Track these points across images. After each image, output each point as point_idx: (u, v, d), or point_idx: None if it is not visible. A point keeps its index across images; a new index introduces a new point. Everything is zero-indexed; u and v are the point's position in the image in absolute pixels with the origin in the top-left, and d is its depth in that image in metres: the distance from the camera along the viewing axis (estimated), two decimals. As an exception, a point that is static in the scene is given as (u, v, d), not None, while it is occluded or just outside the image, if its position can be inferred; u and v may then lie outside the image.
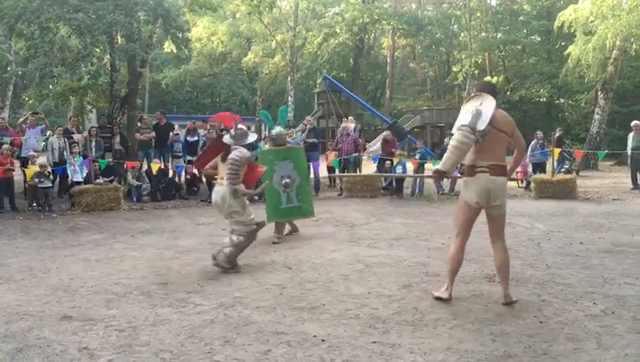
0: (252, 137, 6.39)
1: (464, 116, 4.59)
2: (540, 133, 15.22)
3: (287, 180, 8.00)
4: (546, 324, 4.23)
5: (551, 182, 12.60)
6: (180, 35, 16.33)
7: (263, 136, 17.86)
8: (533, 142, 16.22)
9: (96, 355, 3.70)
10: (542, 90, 34.54)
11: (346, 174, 13.80)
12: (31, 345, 3.87)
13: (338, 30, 34.16)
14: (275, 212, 7.97)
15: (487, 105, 4.58)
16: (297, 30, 32.03)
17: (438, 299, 4.78)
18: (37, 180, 10.57)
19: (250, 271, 5.94)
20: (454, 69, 40.97)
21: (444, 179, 13.48)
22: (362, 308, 4.67)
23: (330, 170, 14.97)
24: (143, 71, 17.33)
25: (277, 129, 8.07)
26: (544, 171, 14.05)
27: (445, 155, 4.63)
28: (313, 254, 6.79)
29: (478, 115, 4.53)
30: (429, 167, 13.71)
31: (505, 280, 4.77)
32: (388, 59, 40.26)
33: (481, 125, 4.49)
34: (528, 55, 38.27)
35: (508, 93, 35.87)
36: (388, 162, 13.58)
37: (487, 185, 4.58)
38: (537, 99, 35.99)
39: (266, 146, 9.48)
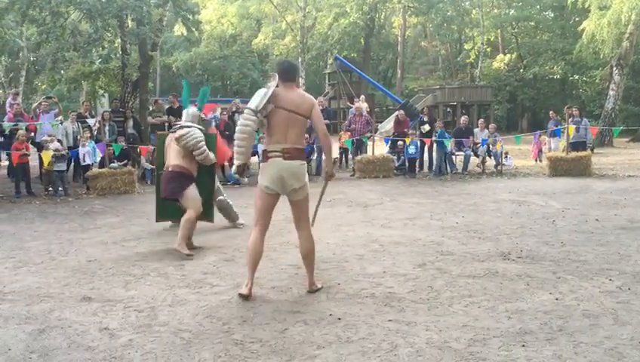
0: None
1: (253, 98, 4.36)
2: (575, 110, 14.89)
3: None
4: (562, 301, 4.24)
5: (565, 160, 12.50)
6: (191, 18, 16.29)
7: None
8: (551, 122, 16.07)
9: (116, 335, 3.76)
10: (556, 67, 34.12)
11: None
12: (52, 326, 3.94)
13: (348, 10, 33.82)
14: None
15: (271, 84, 4.36)
16: (307, 10, 31.77)
17: (240, 296, 4.39)
18: (53, 160, 10.67)
19: (265, 251, 5.94)
20: (466, 46, 40.51)
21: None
22: (377, 287, 4.70)
23: (344, 150, 14.96)
24: (154, 54, 17.30)
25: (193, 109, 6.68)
26: (585, 149, 13.62)
27: (234, 144, 4.43)
28: (327, 234, 6.82)
29: (262, 94, 4.29)
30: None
31: (310, 269, 4.59)
32: (399, 39, 39.84)
33: (260, 104, 4.25)
34: (542, 31, 37.72)
35: (521, 70, 35.48)
36: (400, 142, 13.54)
37: (280, 170, 4.30)
38: (551, 76, 35.57)
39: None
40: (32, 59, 24.48)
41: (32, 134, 11.62)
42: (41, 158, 11.00)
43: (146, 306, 4.31)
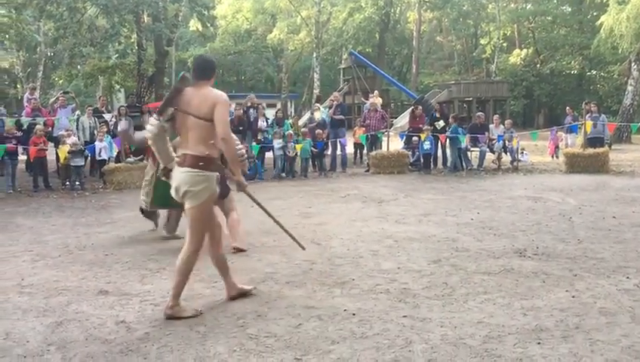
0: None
1: None
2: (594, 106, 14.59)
3: None
4: (579, 298, 4.21)
5: (582, 156, 12.37)
6: (206, 13, 16.36)
7: (290, 114, 17.82)
8: (568, 117, 15.91)
9: (133, 328, 3.80)
10: (573, 62, 33.80)
11: None
12: (70, 319, 3.98)
13: (363, 4, 33.72)
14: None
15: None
16: (322, 5, 31.71)
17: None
18: (69, 156, 10.78)
19: (280, 247, 5.99)
20: (482, 41, 40.27)
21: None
22: (392, 282, 4.69)
23: (358, 146, 14.95)
24: (170, 50, 17.42)
25: None
26: (602, 146, 13.43)
27: None
28: (342, 230, 6.83)
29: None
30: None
31: (174, 288, 4.04)
32: (414, 34, 39.64)
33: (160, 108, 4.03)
34: (559, 26, 37.37)
35: (538, 65, 35.14)
36: (415, 138, 13.49)
37: (175, 176, 4.00)
38: (568, 72, 35.24)
39: None
40: (49, 54, 24.73)
41: (50, 129, 11.74)
42: (57, 153, 11.11)
43: (161, 300, 4.34)
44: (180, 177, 3.93)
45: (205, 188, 3.91)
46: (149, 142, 4.27)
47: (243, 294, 4.36)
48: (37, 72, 26.75)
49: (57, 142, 11.35)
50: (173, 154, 4.20)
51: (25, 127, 11.52)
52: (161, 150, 4.22)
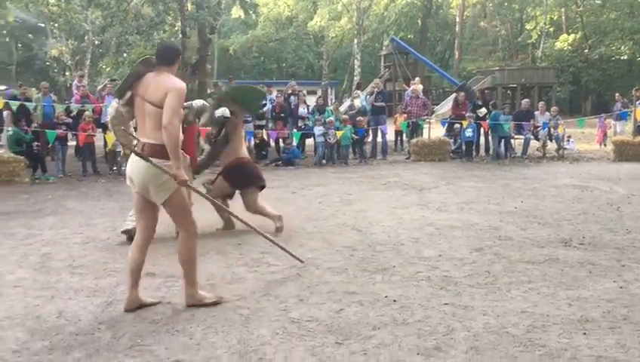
0: None
1: None
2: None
3: None
4: (626, 289, 4.11)
5: (632, 144, 12.01)
6: (248, 1, 16.47)
7: (330, 101, 17.79)
8: (617, 104, 15.44)
9: (178, 309, 3.90)
10: (623, 47, 32.66)
11: None
12: (119, 299, 4.11)
13: (405, -10, 33.33)
14: None
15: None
16: (364, -9, 31.47)
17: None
18: (116, 142, 11.05)
19: (321, 233, 6.04)
20: (528, 26, 39.23)
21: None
22: (433, 270, 4.67)
23: (399, 133, 14.85)
24: (212, 37, 17.63)
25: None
26: None
27: None
28: (382, 217, 6.82)
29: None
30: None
31: (185, 278, 3.95)
32: (457, 19, 38.94)
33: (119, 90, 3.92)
34: (608, 10, 36.09)
35: (586, 51, 34.09)
36: (457, 125, 13.31)
37: (130, 166, 3.82)
38: (618, 57, 34.09)
39: None
40: (96, 42, 25.28)
41: (98, 116, 12.04)
42: (105, 139, 11.40)
43: (206, 283, 4.44)
44: (136, 167, 3.78)
45: (169, 178, 3.71)
46: (110, 124, 4.31)
47: (139, 307, 3.92)
48: (85, 59, 27.43)
49: (105, 128, 11.62)
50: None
51: (74, 113, 11.83)
52: (120, 134, 4.19)
